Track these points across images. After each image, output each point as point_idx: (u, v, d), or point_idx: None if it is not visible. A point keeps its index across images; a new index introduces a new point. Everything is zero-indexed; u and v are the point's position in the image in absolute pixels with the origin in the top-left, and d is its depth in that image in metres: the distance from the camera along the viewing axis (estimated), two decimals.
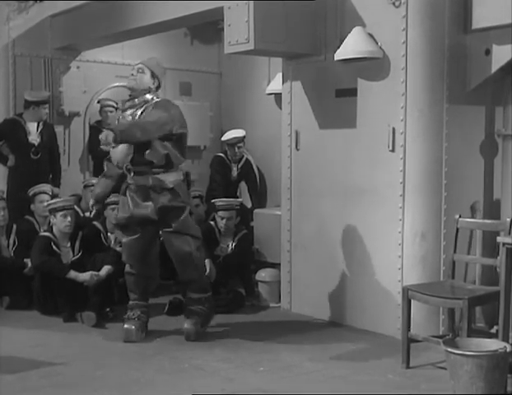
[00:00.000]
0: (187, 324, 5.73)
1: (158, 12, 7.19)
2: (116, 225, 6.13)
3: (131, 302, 5.93)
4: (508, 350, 4.16)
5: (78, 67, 8.89)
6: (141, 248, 5.82)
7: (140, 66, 5.84)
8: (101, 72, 9.14)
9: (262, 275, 7.06)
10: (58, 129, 8.61)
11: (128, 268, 5.92)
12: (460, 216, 5.26)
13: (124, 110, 5.89)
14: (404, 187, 5.69)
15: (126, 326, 5.76)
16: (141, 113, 5.75)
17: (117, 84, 9.22)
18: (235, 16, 5.88)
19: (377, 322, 5.85)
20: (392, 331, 5.64)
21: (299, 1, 6.04)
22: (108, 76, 9.21)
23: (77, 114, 8.84)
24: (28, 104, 7.97)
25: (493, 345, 4.24)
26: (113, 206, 7.19)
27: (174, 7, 6.92)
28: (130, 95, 5.88)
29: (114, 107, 8.89)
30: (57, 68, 8.69)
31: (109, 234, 7.22)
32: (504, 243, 4.43)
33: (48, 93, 8.30)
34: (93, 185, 7.82)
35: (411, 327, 5.05)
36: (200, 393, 4.16)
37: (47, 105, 8.08)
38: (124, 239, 5.90)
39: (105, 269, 6.47)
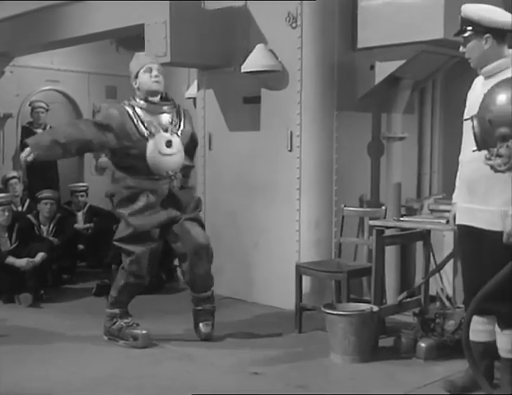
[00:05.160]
0: (205, 329, 5.58)
1: (87, 25, 7.77)
2: (128, 237, 5.47)
3: (119, 310, 5.60)
4: (374, 310, 5.11)
5: (12, 72, 9.42)
6: (156, 256, 5.58)
7: (159, 67, 5.49)
8: (33, 76, 9.69)
9: None
10: None
11: (132, 280, 5.51)
12: (345, 206, 6.18)
13: (158, 113, 5.45)
14: (300, 182, 6.45)
15: (145, 332, 5.48)
16: (179, 119, 5.54)
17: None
18: (154, 32, 6.47)
19: (278, 298, 6.56)
20: (291, 305, 6.35)
21: (212, 21, 6.75)
22: (39, 81, 9.81)
23: (11, 116, 9.36)
24: None
25: (363, 307, 5.18)
26: (46, 200, 7.92)
27: (101, 21, 7.53)
28: (160, 98, 5.51)
29: (44, 108, 9.54)
30: None
31: (41, 226, 7.92)
32: (374, 226, 5.37)
33: None
34: (13, 178, 8.48)
35: (308, 301, 5.92)
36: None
37: None
38: (140, 250, 5.43)
39: (40, 256, 7.08)
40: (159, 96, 5.54)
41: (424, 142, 7.58)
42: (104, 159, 10.46)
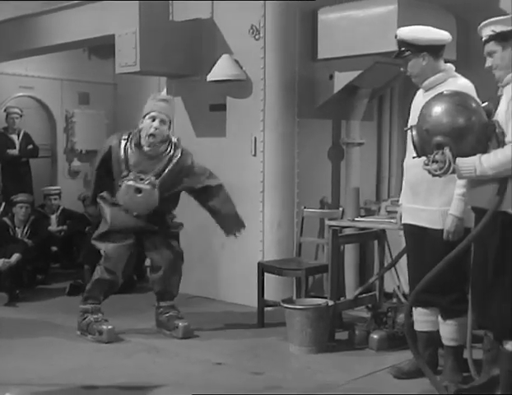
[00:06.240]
0: (182, 322, 5.87)
1: (60, 35, 7.98)
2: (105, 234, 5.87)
3: (91, 306, 5.89)
4: (329, 304, 5.47)
5: None
6: (130, 256, 5.90)
7: (165, 118, 5.70)
8: (7, 83, 9.91)
9: None
10: None
11: (105, 276, 5.82)
12: (305, 207, 6.54)
13: (146, 158, 5.72)
14: (264, 185, 6.79)
15: (110, 327, 5.79)
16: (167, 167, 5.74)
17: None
18: (124, 43, 6.77)
19: (243, 295, 6.86)
20: (255, 302, 6.63)
21: (179, 32, 7.06)
22: (13, 87, 10.01)
23: None
24: None
25: (320, 302, 5.53)
26: (21, 204, 8.14)
27: (74, 31, 7.75)
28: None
29: (18, 114, 9.77)
30: None
31: (16, 228, 8.15)
32: (330, 226, 5.73)
33: None
34: None
35: (271, 297, 6.19)
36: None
37: None
38: (111, 246, 5.80)
39: (15, 257, 7.37)
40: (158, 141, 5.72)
41: (383, 148, 7.90)
42: (76, 163, 10.76)
